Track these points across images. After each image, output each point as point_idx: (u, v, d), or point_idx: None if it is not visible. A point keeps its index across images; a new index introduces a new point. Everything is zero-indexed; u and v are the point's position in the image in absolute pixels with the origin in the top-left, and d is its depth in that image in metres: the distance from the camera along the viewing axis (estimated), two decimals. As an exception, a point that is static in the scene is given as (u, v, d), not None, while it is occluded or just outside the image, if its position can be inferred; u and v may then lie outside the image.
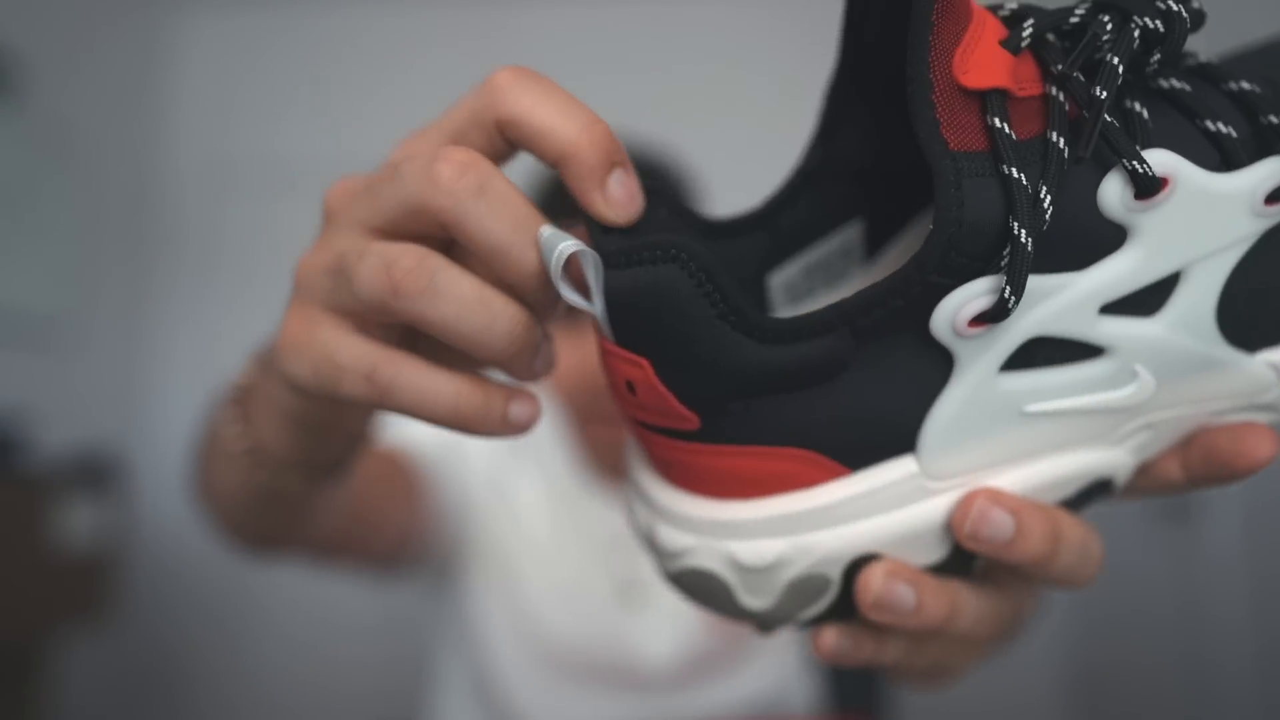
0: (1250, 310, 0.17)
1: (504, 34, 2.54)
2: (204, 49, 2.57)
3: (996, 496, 0.18)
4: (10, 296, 1.86)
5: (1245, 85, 0.16)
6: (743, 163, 2.23)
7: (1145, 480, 0.20)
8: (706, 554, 0.19)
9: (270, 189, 2.51)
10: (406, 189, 0.17)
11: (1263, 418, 0.18)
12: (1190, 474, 0.19)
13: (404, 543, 0.57)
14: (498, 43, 2.54)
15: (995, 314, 0.15)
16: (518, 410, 0.19)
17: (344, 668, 2.20)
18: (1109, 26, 0.15)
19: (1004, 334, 0.16)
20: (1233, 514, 1.46)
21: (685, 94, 2.47)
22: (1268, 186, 0.16)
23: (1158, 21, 0.15)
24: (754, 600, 0.19)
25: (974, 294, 0.15)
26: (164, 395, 2.42)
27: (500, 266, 0.17)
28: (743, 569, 0.18)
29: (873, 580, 0.18)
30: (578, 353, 0.54)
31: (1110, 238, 0.16)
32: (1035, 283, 0.16)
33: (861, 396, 0.17)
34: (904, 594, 0.18)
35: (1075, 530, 0.18)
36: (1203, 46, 0.19)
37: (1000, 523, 0.17)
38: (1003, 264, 0.15)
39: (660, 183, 0.20)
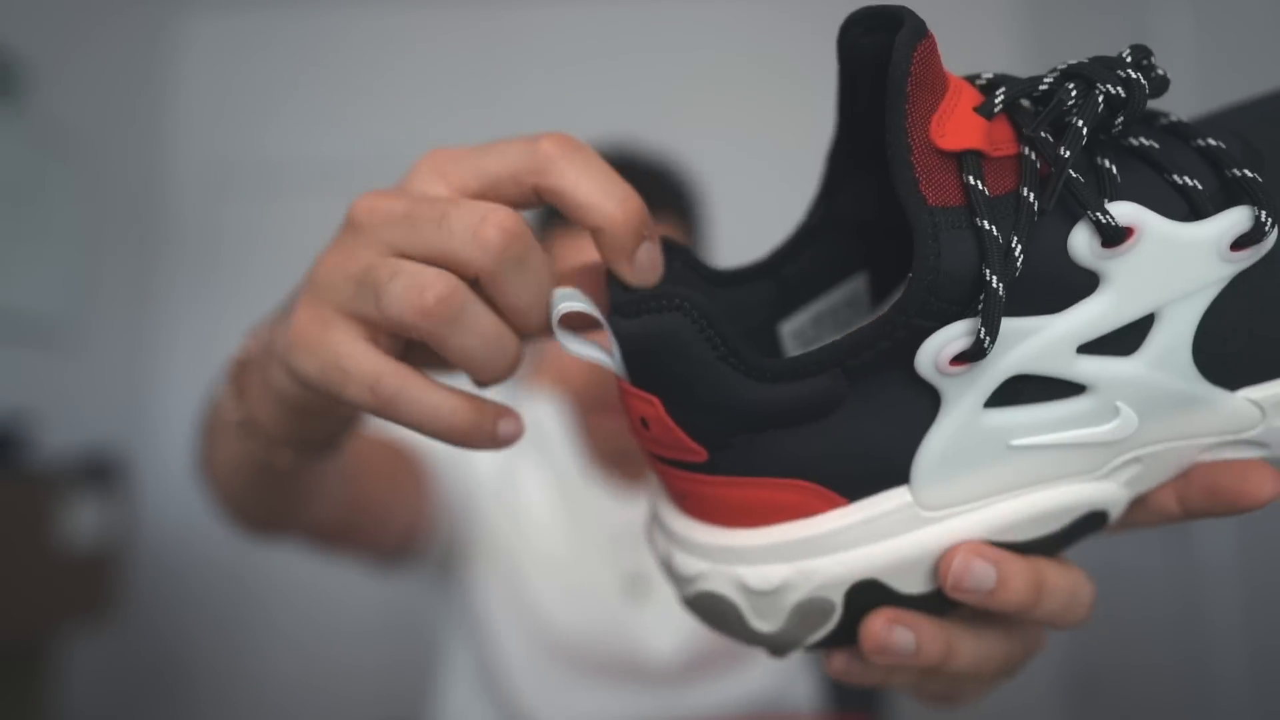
0: (1226, 349, 0.18)
1: (504, 35, 2.54)
2: (205, 50, 2.57)
3: (978, 549, 0.19)
4: (15, 298, 1.87)
5: (1213, 141, 0.18)
6: (743, 162, 2.24)
7: (1141, 513, 0.21)
8: (717, 579, 0.20)
9: (271, 191, 2.52)
10: (453, 241, 0.18)
11: (1252, 453, 0.19)
12: (1187, 507, 0.20)
13: (409, 535, 0.57)
14: (497, 44, 2.54)
15: (973, 354, 0.17)
16: (505, 427, 0.20)
17: (347, 666, 2.21)
18: (1074, 92, 0.17)
19: (986, 372, 0.18)
20: (1228, 519, 1.47)
21: (685, 92, 2.48)
22: (1233, 234, 0.17)
23: (1119, 88, 0.17)
24: (763, 623, 0.20)
25: (953, 335, 0.17)
26: (167, 395, 2.43)
27: (520, 323, 0.19)
28: (750, 592, 0.20)
29: (875, 626, 0.19)
30: None
31: (1083, 283, 0.17)
32: (1012, 325, 0.17)
33: (856, 431, 0.18)
34: (904, 639, 0.19)
35: (1062, 578, 0.20)
36: (1182, 107, 0.20)
37: (981, 574, 0.18)
38: (979, 308, 0.16)
39: (675, 240, 0.22)
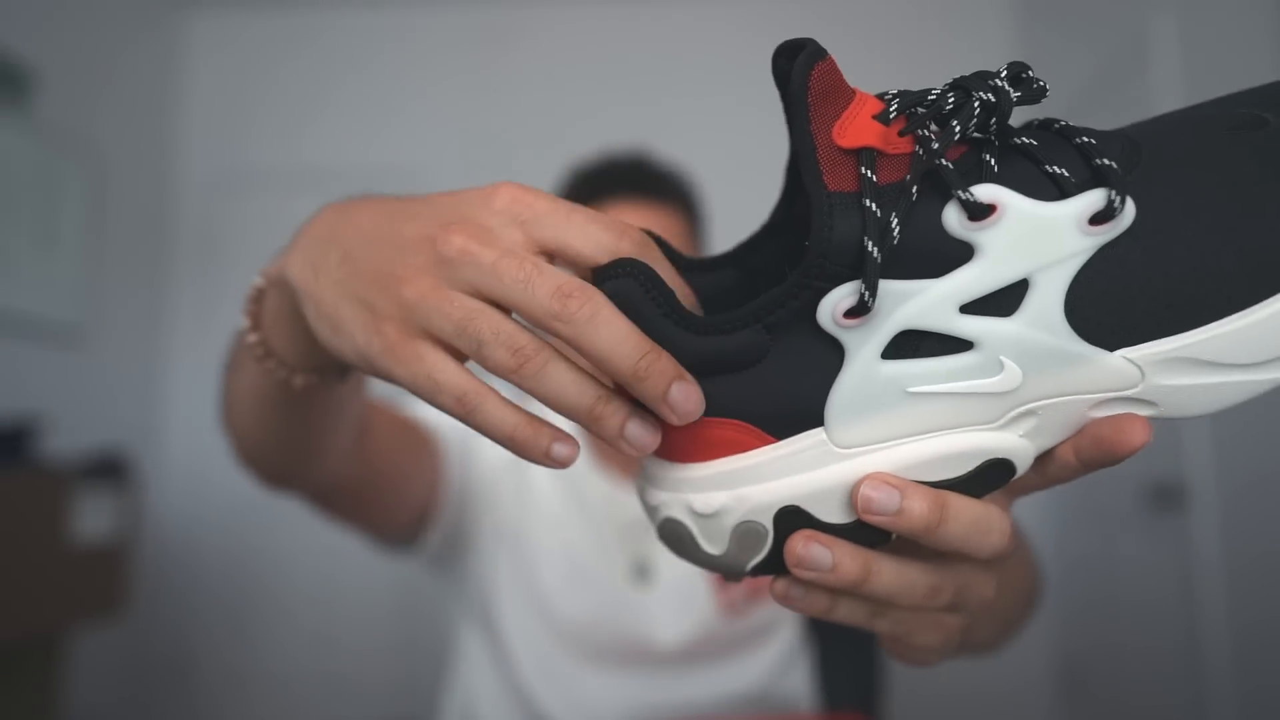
0: (1097, 311, 0.21)
1: (505, 36, 2.56)
2: (213, 56, 2.58)
3: (884, 477, 0.22)
4: (27, 301, 1.90)
5: (1088, 139, 0.21)
6: (745, 163, 2.26)
7: (1049, 466, 0.23)
8: (674, 506, 0.24)
9: (277, 195, 2.54)
10: (535, 305, 0.22)
11: (1142, 410, 0.22)
12: (1081, 458, 0.22)
13: (424, 508, 0.60)
14: (499, 44, 2.56)
15: (859, 309, 0.20)
16: (559, 449, 0.23)
17: (356, 659, 2.23)
18: (952, 99, 0.20)
19: (879, 327, 0.21)
20: (1212, 504, 1.50)
21: (677, 94, 2.49)
22: (1090, 211, 0.20)
23: (990, 95, 0.20)
24: (711, 546, 0.24)
25: (844, 294, 0.21)
26: (176, 394, 2.46)
27: (599, 366, 0.22)
28: (698, 516, 0.24)
29: (795, 542, 0.23)
30: None
31: (959, 253, 0.20)
32: (896, 286, 0.21)
33: (778, 379, 0.22)
34: (820, 554, 0.22)
35: (967, 506, 0.22)
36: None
37: (886, 497, 0.22)
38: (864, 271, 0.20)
39: (657, 237, 0.26)
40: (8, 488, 1.37)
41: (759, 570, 0.24)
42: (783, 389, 0.22)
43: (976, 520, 0.22)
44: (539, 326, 0.23)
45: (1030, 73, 0.21)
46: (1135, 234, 0.20)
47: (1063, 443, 0.23)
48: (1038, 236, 0.20)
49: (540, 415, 0.24)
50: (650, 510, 0.25)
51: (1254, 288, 0.20)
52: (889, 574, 0.23)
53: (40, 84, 1.94)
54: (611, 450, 0.65)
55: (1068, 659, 2.07)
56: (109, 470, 1.60)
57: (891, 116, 0.21)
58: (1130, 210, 0.20)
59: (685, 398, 0.22)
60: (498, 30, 2.52)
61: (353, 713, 2.20)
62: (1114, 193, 0.20)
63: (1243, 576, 1.41)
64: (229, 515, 2.40)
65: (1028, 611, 0.48)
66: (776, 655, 0.66)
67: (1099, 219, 0.20)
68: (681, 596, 0.63)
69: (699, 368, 0.22)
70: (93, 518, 1.52)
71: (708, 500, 0.23)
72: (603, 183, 0.62)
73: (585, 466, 0.67)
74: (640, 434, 0.23)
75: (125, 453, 1.66)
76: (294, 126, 2.52)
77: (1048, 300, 0.20)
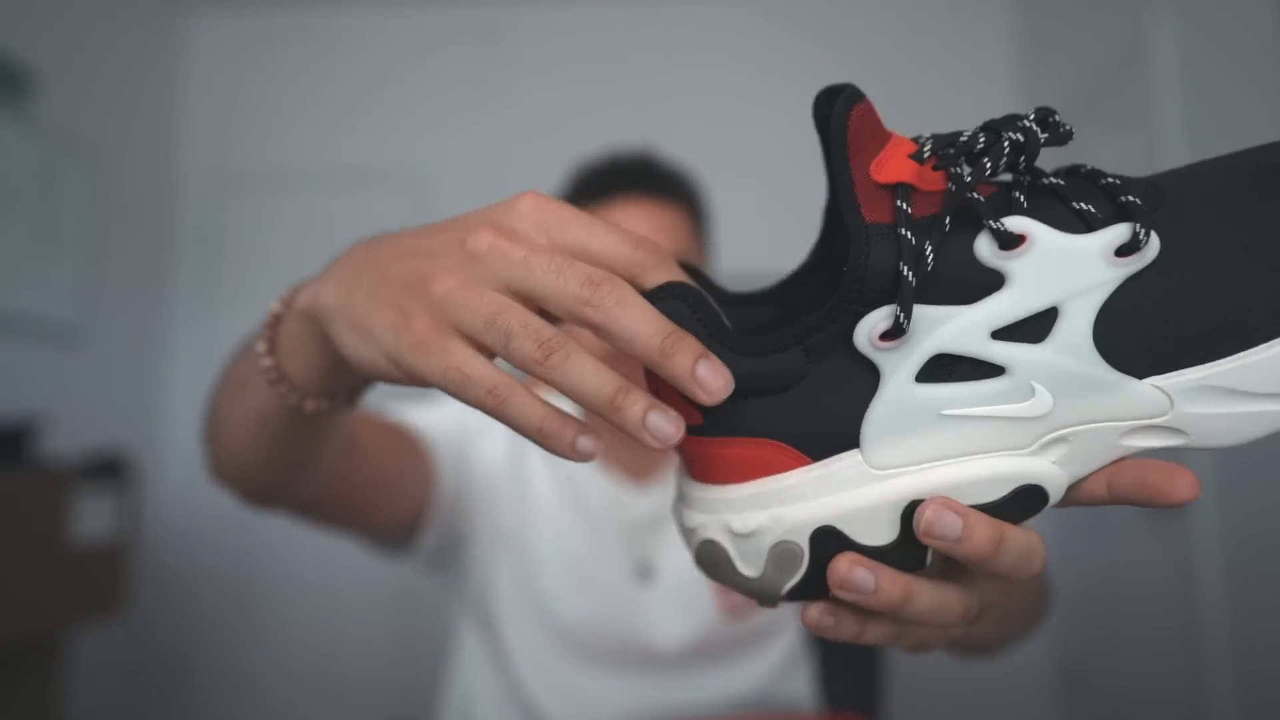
0: (1125, 340, 0.21)
1: (509, 39, 2.56)
2: (212, 55, 2.58)
3: (949, 503, 0.22)
4: (28, 302, 1.90)
5: (1112, 179, 0.22)
6: (747, 162, 2.26)
7: (1076, 493, 0.24)
8: (711, 527, 0.25)
9: (278, 196, 2.54)
10: (567, 288, 0.23)
11: (1171, 439, 0.22)
12: (1115, 493, 0.23)
13: (416, 511, 0.60)
14: (500, 47, 2.56)
15: (895, 331, 0.21)
16: (583, 443, 0.24)
17: (355, 659, 2.23)
18: (982, 139, 0.21)
19: (913, 351, 0.22)
20: (1212, 504, 1.50)
21: (685, 95, 2.49)
22: (1116, 243, 0.21)
23: (1019, 135, 0.21)
24: (748, 568, 0.24)
25: (880, 316, 0.22)
26: (176, 395, 2.46)
27: (627, 347, 0.23)
28: (735, 536, 0.24)
29: (839, 564, 0.23)
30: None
31: (990, 280, 0.21)
32: (930, 311, 0.21)
33: (815, 400, 0.23)
34: (864, 577, 0.23)
35: (1019, 536, 0.23)
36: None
37: (950, 523, 0.22)
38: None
39: (694, 263, 0.27)
40: (8, 488, 1.37)
41: (794, 594, 0.25)
42: (820, 410, 0.23)
43: (1026, 549, 0.23)
44: (568, 316, 0.24)
45: (1057, 116, 0.22)
46: (1161, 267, 0.21)
47: (1095, 473, 0.23)
48: (1066, 266, 0.21)
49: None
50: (687, 534, 0.26)
51: (1278, 319, 0.21)
52: (927, 597, 0.24)
53: (40, 84, 1.94)
54: (616, 451, 0.65)
55: (1068, 659, 2.07)
56: (109, 470, 1.60)
57: (925, 155, 0.22)
58: (1155, 244, 0.21)
59: (713, 373, 0.22)
60: (498, 30, 2.52)
61: (352, 713, 2.20)
62: (1139, 226, 0.21)
63: (1241, 575, 1.42)
64: (228, 516, 2.40)
65: (1034, 617, 0.48)
66: (778, 658, 0.66)
67: (1124, 251, 0.21)
68: (683, 598, 0.63)
69: (741, 388, 0.23)
70: (92, 518, 1.53)
71: (745, 520, 0.24)
72: (611, 181, 0.62)
73: (588, 467, 0.67)
74: (661, 424, 0.23)
75: (125, 453, 1.66)
76: (294, 126, 2.52)
77: (1077, 328, 0.21)
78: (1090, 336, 0.21)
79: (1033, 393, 0.22)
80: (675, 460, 0.55)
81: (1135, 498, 0.22)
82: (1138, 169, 1.71)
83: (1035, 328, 0.21)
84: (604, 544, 0.65)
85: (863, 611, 0.24)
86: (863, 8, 2.45)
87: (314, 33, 2.56)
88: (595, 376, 0.23)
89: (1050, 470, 0.22)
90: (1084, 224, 0.21)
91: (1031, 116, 0.22)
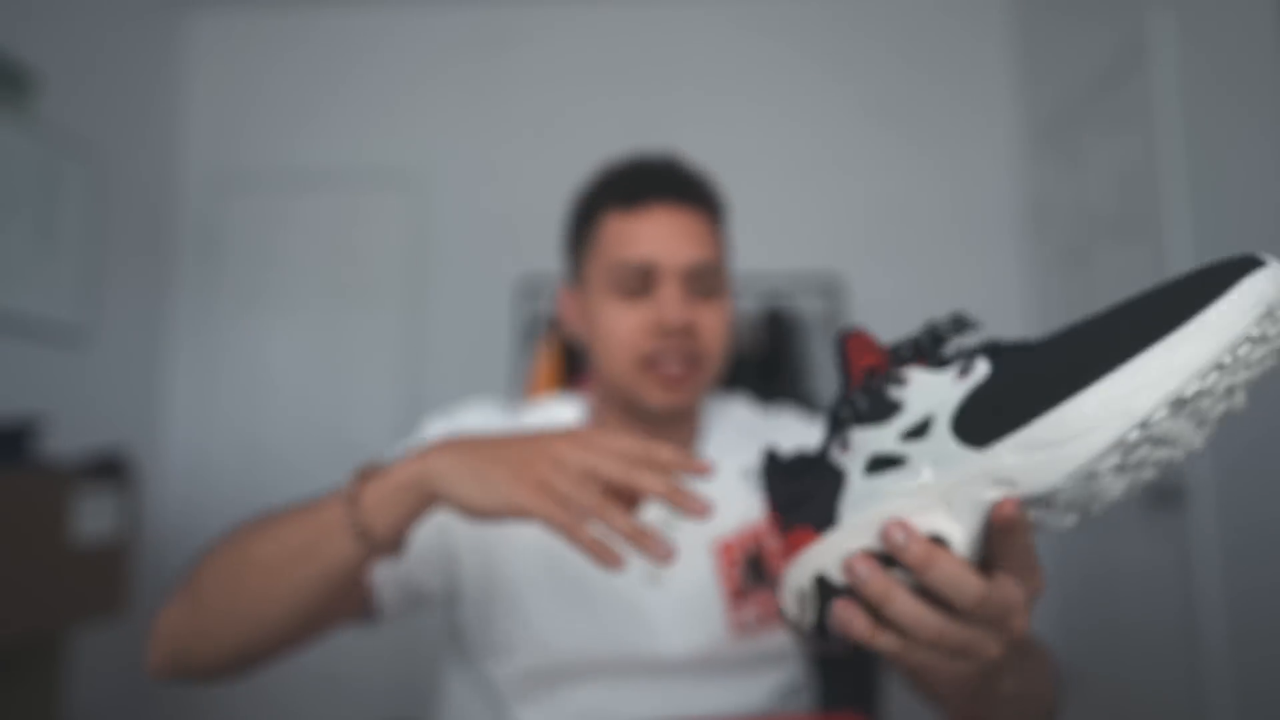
0: (971, 426, 0.33)
1: (510, 40, 2.57)
2: (214, 57, 2.59)
3: (902, 525, 0.33)
4: (31, 304, 1.91)
5: (971, 344, 0.36)
6: (748, 162, 2.27)
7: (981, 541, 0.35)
8: (784, 587, 0.39)
9: (281, 199, 2.55)
10: (617, 470, 0.46)
11: (1009, 490, 0.32)
12: (995, 535, 0.34)
13: (360, 614, 0.64)
14: (505, 48, 2.57)
15: (844, 445, 0.37)
16: (613, 559, 0.46)
17: (355, 658, 2.23)
18: (914, 344, 0.36)
19: (859, 455, 0.36)
20: (1210, 504, 1.51)
21: (686, 96, 2.50)
22: (959, 372, 0.34)
23: (930, 334, 0.36)
24: (793, 608, 0.39)
25: (838, 439, 0.37)
26: (177, 396, 2.47)
27: (621, 481, 0.46)
28: (789, 590, 0.39)
29: (853, 559, 0.34)
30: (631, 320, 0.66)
31: (896, 407, 0.35)
32: (864, 432, 0.36)
33: (820, 499, 0.37)
34: (860, 568, 0.34)
35: (949, 561, 0.33)
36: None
37: (898, 536, 0.33)
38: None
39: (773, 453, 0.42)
40: (10, 487, 1.38)
41: (814, 629, 0.37)
42: (822, 505, 0.37)
43: (955, 574, 0.32)
44: (614, 484, 0.46)
45: (967, 318, 0.35)
46: (989, 382, 0.33)
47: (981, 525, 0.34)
48: (932, 390, 0.35)
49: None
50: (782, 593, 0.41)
51: (1053, 398, 0.32)
52: (903, 603, 0.33)
53: (43, 85, 1.95)
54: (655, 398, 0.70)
55: (1069, 656, 2.08)
56: (110, 470, 1.60)
57: (892, 357, 0.37)
58: (983, 368, 0.34)
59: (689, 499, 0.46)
60: (501, 32, 2.53)
61: (353, 713, 2.21)
62: (966, 360, 0.34)
63: (1238, 570, 1.42)
64: (228, 515, 2.41)
65: (1044, 714, 0.51)
66: (780, 683, 0.67)
67: (963, 374, 0.34)
68: (691, 608, 0.64)
69: (791, 500, 0.39)
70: (93, 517, 1.53)
71: (793, 577, 0.38)
72: (640, 187, 0.66)
73: None
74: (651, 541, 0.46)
75: (126, 452, 1.67)
76: (295, 127, 2.53)
77: (942, 425, 0.34)
78: (950, 428, 0.33)
79: (920, 472, 0.34)
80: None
81: (999, 530, 0.33)
82: (1135, 171, 1.72)
83: (921, 429, 0.34)
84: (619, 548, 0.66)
85: (876, 618, 0.34)
86: (864, 9, 2.46)
87: (317, 34, 2.57)
88: (616, 516, 0.46)
89: (945, 523, 0.33)
90: (936, 364, 0.35)
91: (951, 322, 0.35)
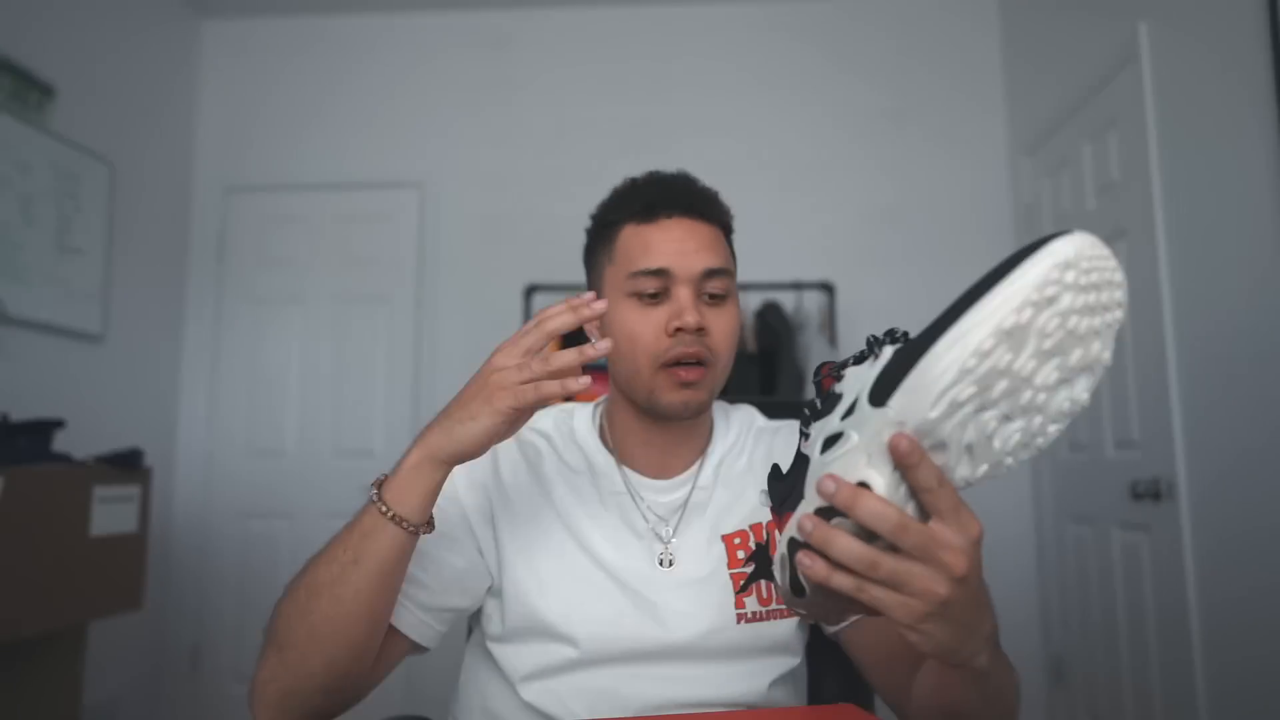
0: (878, 395, 0.42)
1: (514, 43, 2.60)
2: (228, 67, 2.62)
3: (831, 477, 0.41)
4: (55, 307, 1.97)
5: (898, 335, 0.45)
6: (750, 161, 2.31)
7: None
8: (774, 565, 0.48)
9: (293, 209, 2.58)
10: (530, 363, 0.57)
11: (900, 427, 0.41)
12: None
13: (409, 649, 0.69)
14: (510, 52, 2.60)
15: (806, 436, 0.48)
16: (578, 382, 0.56)
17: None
18: (859, 351, 0.48)
19: (816, 441, 0.46)
20: (1197, 499, 1.55)
21: (686, 97, 2.53)
22: (874, 359, 0.45)
23: (865, 348, 0.47)
24: (778, 577, 0.46)
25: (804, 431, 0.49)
26: (194, 397, 2.52)
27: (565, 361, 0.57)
28: (775, 563, 0.47)
29: (803, 520, 0.42)
30: (648, 323, 0.70)
31: (837, 398, 0.47)
32: (819, 422, 0.47)
33: (796, 486, 0.47)
34: (806, 523, 0.41)
35: (868, 498, 0.40)
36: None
37: (829, 485, 0.41)
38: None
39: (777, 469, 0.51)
40: (36, 483, 1.42)
41: (793, 590, 0.45)
42: (796, 490, 0.47)
43: (876, 508, 0.40)
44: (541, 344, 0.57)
45: (900, 331, 0.45)
46: (891, 360, 0.43)
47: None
48: (859, 379, 0.45)
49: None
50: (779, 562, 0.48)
51: (920, 352, 0.41)
52: (842, 541, 0.40)
53: (58, 96, 1.99)
54: (633, 453, 0.74)
55: (1058, 649, 2.12)
56: (128, 469, 1.64)
57: (825, 374, 0.49)
58: (888, 351, 0.44)
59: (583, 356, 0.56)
60: (504, 35, 2.57)
61: (362, 709, 2.23)
62: (875, 349, 0.45)
63: (1222, 567, 1.47)
64: (241, 512, 2.45)
65: (1006, 707, 0.56)
66: (781, 671, 0.71)
67: (876, 359, 0.45)
68: (701, 596, 0.69)
69: (781, 497, 0.48)
70: (113, 515, 1.57)
71: (778, 553, 0.47)
72: (659, 203, 0.72)
73: (608, 464, 0.73)
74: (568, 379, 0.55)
75: (144, 452, 1.71)
76: (304, 133, 2.57)
77: (863, 399, 0.44)
78: (867, 398, 0.43)
79: (850, 439, 0.43)
80: (692, 459, 0.75)
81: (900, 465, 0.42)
82: (1127, 171, 1.75)
83: (853, 409, 0.44)
84: (622, 535, 0.70)
85: (831, 563, 0.41)
86: (859, 19, 2.51)
87: (324, 42, 2.60)
88: (563, 358, 0.55)
89: (868, 472, 0.41)
90: (868, 357, 0.46)
91: (885, 336, 0.45)
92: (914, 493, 0.41)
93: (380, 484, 0.58)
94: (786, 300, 2.22)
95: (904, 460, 0.40)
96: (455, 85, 2.57)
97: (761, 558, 0.71)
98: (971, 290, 0.40)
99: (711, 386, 0.70)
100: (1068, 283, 0.38)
